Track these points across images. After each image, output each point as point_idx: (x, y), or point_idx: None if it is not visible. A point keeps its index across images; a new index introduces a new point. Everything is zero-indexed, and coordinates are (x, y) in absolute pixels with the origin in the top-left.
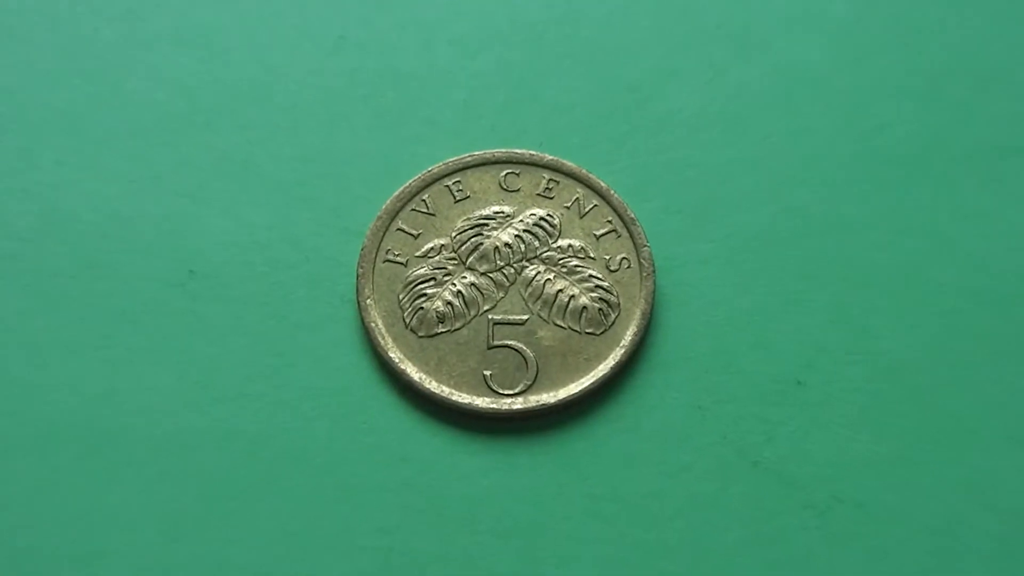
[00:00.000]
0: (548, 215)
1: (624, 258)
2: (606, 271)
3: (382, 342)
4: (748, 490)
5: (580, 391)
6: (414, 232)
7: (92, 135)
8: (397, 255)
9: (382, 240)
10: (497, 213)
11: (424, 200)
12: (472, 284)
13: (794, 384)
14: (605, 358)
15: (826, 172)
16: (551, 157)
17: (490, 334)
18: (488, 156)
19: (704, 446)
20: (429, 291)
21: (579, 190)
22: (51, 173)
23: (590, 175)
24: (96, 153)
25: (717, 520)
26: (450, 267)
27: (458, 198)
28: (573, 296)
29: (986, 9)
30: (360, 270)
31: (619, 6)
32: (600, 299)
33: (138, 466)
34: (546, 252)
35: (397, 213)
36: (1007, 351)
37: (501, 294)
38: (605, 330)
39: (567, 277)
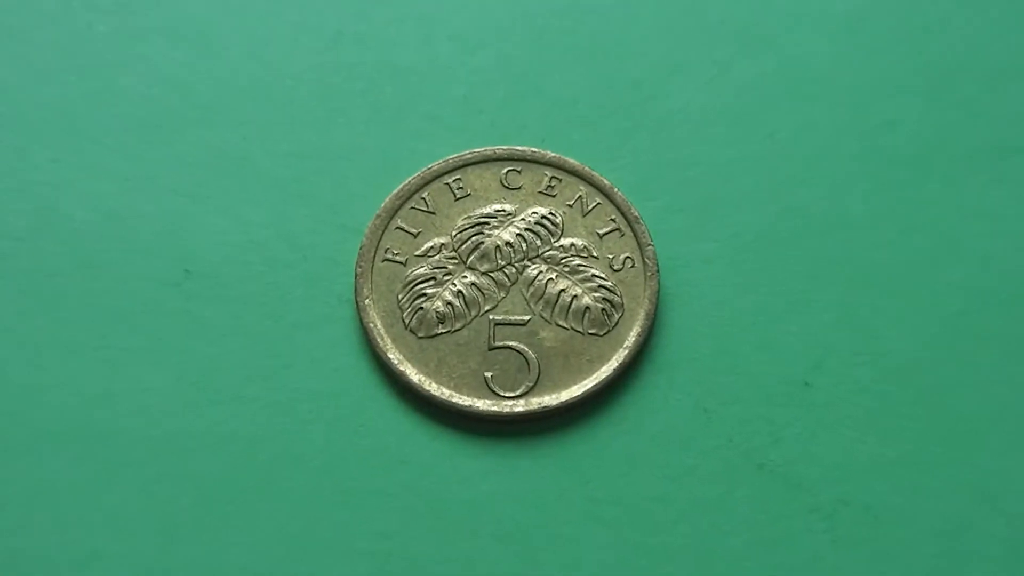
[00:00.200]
0: (550, 213)
1: (627, 257)
2: (609, 271)
3: (381, 343)
4: (754, 493)
5: (583, 393)
6: (413, 231)
7: (86, 132)
8: (396, 254)
9: (381, 239)
10: (498, 211)
11: (424, 198)
12: (473, 284)
13: (801, 385)
14: (608, 359)
15: (832, 170)
16: (553, 154)
17: (491, 335)
18: (489, 153)
19: (709, 448)
20: (429, 291)
21: (582, 188)
22: (46, 171)
23: (593, 173)
24: (90, 150)
25: (722, 524)
26: (450, 266)
27: (458, 196)
28: (575, 296)
29: (992, 7)
30: (359, 269)
31: (622, 1)
32: (603, 299)
33: (134, 467)
34: (548, 251)
35: (396, 211)
36: (1015, 352)
37: (502, 294)
38: (608, 331)
39: (569, 277)
